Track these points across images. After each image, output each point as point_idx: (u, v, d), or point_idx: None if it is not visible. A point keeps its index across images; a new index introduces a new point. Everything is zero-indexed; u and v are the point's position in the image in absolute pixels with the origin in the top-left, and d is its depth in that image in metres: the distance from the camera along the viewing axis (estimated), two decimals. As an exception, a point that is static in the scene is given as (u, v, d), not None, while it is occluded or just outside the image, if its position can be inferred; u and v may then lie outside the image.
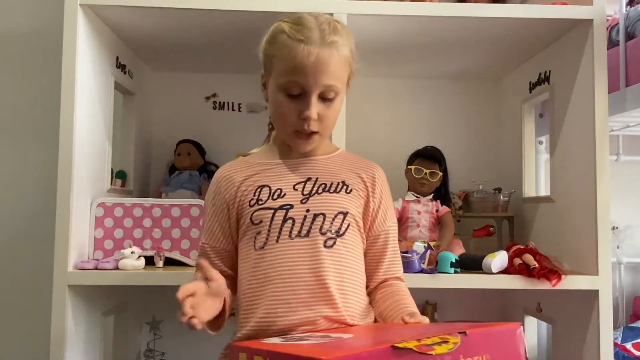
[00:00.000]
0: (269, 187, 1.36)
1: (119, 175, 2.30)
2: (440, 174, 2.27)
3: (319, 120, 1.33)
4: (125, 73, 2.27)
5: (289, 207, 1.35)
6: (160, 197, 2.38)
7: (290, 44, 1.31)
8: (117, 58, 2.19)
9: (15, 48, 2.63)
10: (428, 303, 2.64)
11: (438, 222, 2.27)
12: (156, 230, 1.95)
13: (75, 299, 1.83)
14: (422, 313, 2.68)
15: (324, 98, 1.33)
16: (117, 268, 1.84)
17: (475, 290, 2.45)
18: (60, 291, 1.76)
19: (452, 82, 2.74)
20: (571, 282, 1.85)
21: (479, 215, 2.45)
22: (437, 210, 2.26)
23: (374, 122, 2.70)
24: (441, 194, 2.31)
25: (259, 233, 1.33)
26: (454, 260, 1.90)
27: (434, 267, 1.92)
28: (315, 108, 1.31)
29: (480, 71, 2.61)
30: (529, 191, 2.44)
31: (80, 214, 1.86)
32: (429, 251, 1.94)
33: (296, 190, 1.36)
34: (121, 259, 1.84)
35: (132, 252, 1.84)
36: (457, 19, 1.93)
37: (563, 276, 1.84)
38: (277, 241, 1.32)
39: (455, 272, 1.89)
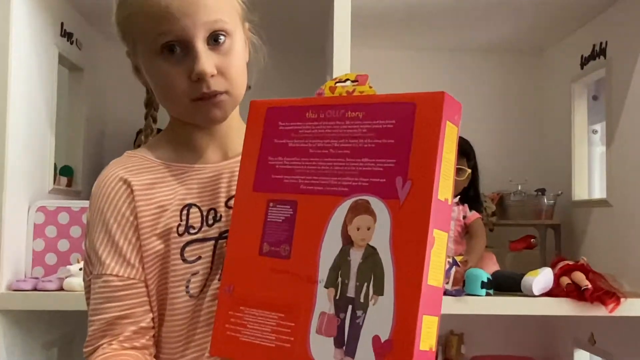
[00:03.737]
0: (199, 208, 1.28)
1: (64, 171, 2.29)
2: (469, 171, 2.27)
3: (220, 75, 1.24)
4: (72, 43, 2.27)
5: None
6: (116, 199, 2.37)
7: None
8: (62, 25, 2.18)
9: None
10: (452, 333, 2.64)
11: (466, 232, 2.28)
12: (111, 241, 1.94)
13: (9, 327, 1.82)
14: (446, 345, 2.71)
15: (214, 44, 1.24)
16: (61, 289, 1.82)
17: (513, 318, 2.44)
18: (-10, 318, 1.76)
19: (483, 56, 2.75)
20: (632, 308, 1.86)
21: (516, 223, 2.45)
22: (464, 217, 2.26)
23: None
24: (470, 196, 2.31)
25: (195, 274, 1.26)
26: (485, 280, 1.90)
27: (461, 288, 1.92)
28: (207, 59, 1.22)
29: (518, 42, 2.61)
30: (580, 193, 2.44)
31: (14, 221, 1.85)
32: (454, 268, 1.94)
33: (230, 208, 1.29)
34: (67, 277, 1.83)
35: (80, 269, 1.83)
36: (490, -24, 1.93)
37: (622, 300, 1.83)
38: (219, 280, 1.26)
39: (487, 294, 1.89)
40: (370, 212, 1.07)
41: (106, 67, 2.61)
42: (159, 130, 1.47)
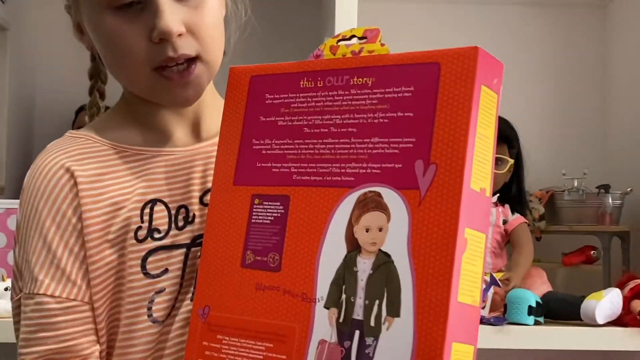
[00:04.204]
0: (165, 205, 1.27)
1: (-17, 162, 2.29)
2: (511, 161, 2.26)
3: (190, 34, 1.24)
4: (-8, -6, 2.26)
5: None
6: (50, 198, 2.39)
7: None
8: (-20, -31, 2.17)
9: None
10: (489, 373, 2.64)
11: (507, 241, 2.27)
12: (44, 253, 1.95)
13: None
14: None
15: None
16: (-20, 315, 1.82)
17: (570, 354, 2.44)
18: None
19: (530, 11, 2.75)
20: None
21: (572, 230, 2.45)
22: (505, 222, 2.25)
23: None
24: (512, 194, 2.31)
25: (159, 292, 1.24)
26: (533, 304, 1.89)
27: (502, 314, 1.92)
28: (173, 14, 1.22)
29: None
30: (655, 190, 2.44)
31: None
32: (492, 288, 1.94)
33: (206, 205, 1.28)
34: (-13, 300, 1.83)
35: (6, 289, 1.83)
36: None
37: None
38: (192, 300, 1.25)
39: (536, 322, 1.88)
40: (383, 208, 1.05)
41: (37, 26, 2.60)
42: (106, 109, 1.46)
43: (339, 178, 1.11)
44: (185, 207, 1.27)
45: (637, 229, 2.43)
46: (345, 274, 1.07)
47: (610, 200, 2.42)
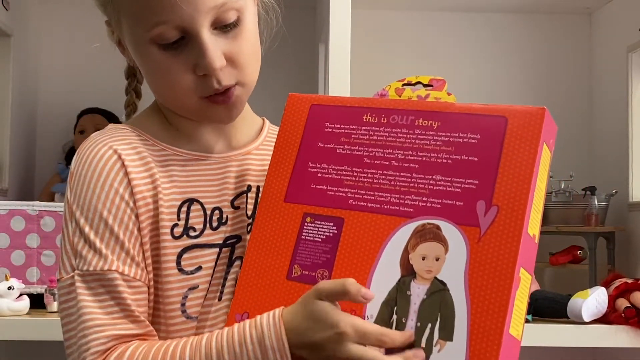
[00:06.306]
0: (202, 205, 1.29)
1: (-13, 165, 2.28)
2: (500, 164, 2.27)
3: (230, 63, 1.26)
4: (-4, 1, 2.27)
5: (235, 240, 1.30)
6: (52, 199, 2.37)
7: None
8: (-16, -23, 2.17)
9: None
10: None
11: (495, 241, 2.28)
12: (47, 252, 1.94)
13: None
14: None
15: (222, 28, 1.25)
16: (-15, 314, 1.82)
17: (557, 351, 2.44)
18: None
19: (516, 19, 2.74)
20: None
21: (559, 230, 2.44)
22: (493, 222, 2.26)
23: (400, 75, 2.69)
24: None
25: (193, 288, 1.25)
26: (522, 302, 1.90)
27: (491, 312, 1.92)
28: (215, 49, 1.23)
29: (562, 1, 2.62)
30: (639, 193, 2.45)
31: None
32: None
33: (238, 209, 1.32)
34: (-8, 299, 1.83)
35: (8, 288, 1.82)
36: None
37: (696, 328, 1.84)
38: (219, 299, 1.27)
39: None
40: (441, 240, 1.08)
41: (40, 32, 2.59)
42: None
43: (397, 208, 1.14)
44: (220, 209, 1.29)
45: (621, 230, 2.44)
46: (398, 297, 1.08)
47: (596, 202, 2.42)
